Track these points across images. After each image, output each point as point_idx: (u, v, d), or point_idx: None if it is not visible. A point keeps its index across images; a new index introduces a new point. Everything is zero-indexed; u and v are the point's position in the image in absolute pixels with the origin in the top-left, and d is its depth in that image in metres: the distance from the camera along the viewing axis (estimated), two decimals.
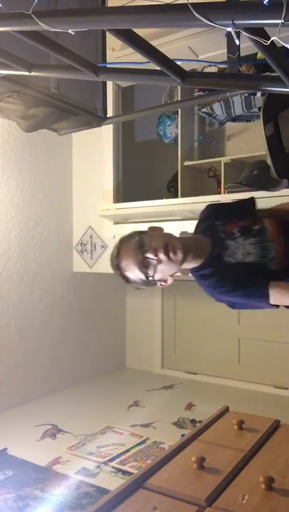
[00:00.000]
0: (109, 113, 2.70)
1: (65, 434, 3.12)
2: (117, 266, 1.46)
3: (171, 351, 4.55)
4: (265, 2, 0.92)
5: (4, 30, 1.24)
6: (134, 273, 1.42)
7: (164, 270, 1.41)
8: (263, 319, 3.90)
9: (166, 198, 3.70)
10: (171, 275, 1.46)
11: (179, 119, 3.80)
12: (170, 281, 1.48)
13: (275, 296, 1.40)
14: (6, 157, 3.58)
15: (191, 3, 0.97)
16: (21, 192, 3.70)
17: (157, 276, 1.42)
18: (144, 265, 1.39)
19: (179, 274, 1.51)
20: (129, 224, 3.86)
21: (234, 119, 3.79)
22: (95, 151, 4.00)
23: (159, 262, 1.39)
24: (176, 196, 3.74)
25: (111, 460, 2.71)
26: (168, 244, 1.39)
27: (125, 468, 2.60)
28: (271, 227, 1.48)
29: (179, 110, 3.78)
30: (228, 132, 4.08)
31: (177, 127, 3.83)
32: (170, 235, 1.47)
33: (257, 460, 1.59)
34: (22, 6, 1.15)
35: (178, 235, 1.58)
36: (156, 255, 1.38)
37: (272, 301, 1.41)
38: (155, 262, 1.39)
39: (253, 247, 1.44)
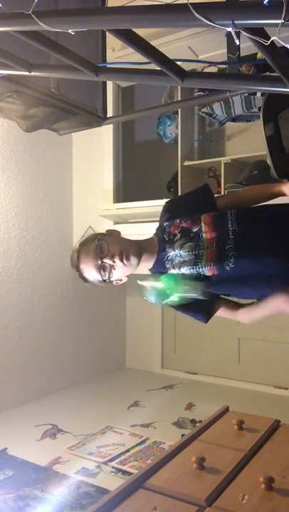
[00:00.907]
0: (109, 113, 2.70)
1: (65, 434, 3.12)
2: (76, 267, 1.58)
3: (171, 351, 4.55)
4: (265, 2, 0.92)
5: (4, 30, 1.24)
6: (92, 275, 1.55)
7: (119, 273, 1.54)
8: (263, 319, 3.89)
9: (166, 198, 3.69)
10: (126, 274, 1.59)
11: (179, 119, 3.79)
12: (125, 279, 1.61)
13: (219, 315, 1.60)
14: (6, 157, 3.58)
15: (191, 3, 0.97)
16: (21, 192, 3.70)
17: (113, 278, 1.56)
18: (101, 268, 1.52)
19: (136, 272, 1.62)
20: (129, 224, 3.86)
21: (234, 119, 3.79)
22: (95, 151, 4.00)
23: (115, 266, 1.52)
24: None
25: (111, 460, 2.71)
26: (123, 250, 1.51)
27: (125, 468, 2.60)
28: (207, 229, 1.50)
29: (179, 110, 3.78)
30: (228, 132, 4.08)
31: (177, 127, 3.83)
32: (126, 241, 1.58)
33: (257, 460, 1.59)
34: (22, 6, 1.15)
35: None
36: (112, 261, 1.51)
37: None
38: (111, 266, 1.52)
39: (188, 254, 1.50)
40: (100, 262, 1.51)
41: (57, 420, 3.30)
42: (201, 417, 3.23)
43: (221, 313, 1.61)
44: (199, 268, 1.49)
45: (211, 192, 1.69)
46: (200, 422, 2.99)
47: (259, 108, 3.32)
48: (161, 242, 1.58)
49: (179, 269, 1.52)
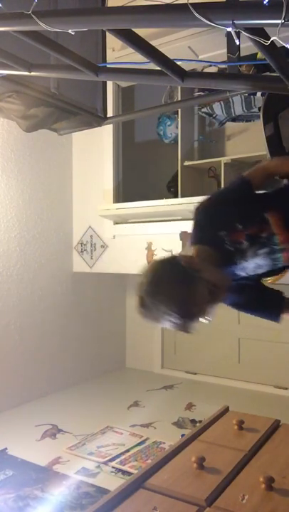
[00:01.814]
0: (109, 113, 2.70)
1: (65, 434, 3.12)
2: (180, 325, 1.34)
3: (171, 351, 4.55)
4: (265, 2, 0.92)
5: (4, 30, 1.24)
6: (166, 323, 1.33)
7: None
8: (263, 319, 3.89)
9: (166, 198, 3.70)
10: None
11: (179, 119, 3.79)
12: None
13: None
14: (6, 157, 3.58)
15: (191, 3, 0.97)
16: (21, 192, 3.70)
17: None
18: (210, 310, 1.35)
19: None
20: (129, 224, 3.86)
21: (234, 119, 3.79)
22: (95, 151, 4.00)
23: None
24: (176, 196, 3.74)
25: (111, 460, 2.71)
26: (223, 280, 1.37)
27: (125, 468, 2.60)
28: (279, 232, 1.39)
29: (179, 110, 3.78)
30: (228, 132, 4.08)
31: (177, 127, 3.83)
32: (214, 269, 1.36)
33: (257, 460, 1.59)
34: (22, 6, 1.15)
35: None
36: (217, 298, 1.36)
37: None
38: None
39: (263, 260, 1.41)
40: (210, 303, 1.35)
41: (57, 420, 3.30)
42: (201, 417, 3.23)
43: None
44: (277, 266, 1.44)
45: (246, 180, 1.49)
46: (200, 422, 2.99)
47: (259, 108, 3.32)
48: (226, 255, 1.40)
49: (255, 273, 1.45)
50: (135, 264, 3.60)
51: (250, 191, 1.46)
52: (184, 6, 0.98)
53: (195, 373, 4.33)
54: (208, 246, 1.40)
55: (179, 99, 3.73)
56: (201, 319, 1.33)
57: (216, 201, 1.47)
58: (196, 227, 1.46)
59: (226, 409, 2.06)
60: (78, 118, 2.34)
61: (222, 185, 3.48)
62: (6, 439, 2.96)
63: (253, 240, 1.38)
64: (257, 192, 1.48)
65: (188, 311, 1.29)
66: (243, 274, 1.44)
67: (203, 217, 1.45)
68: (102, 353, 4.46)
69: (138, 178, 4.21)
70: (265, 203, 1.44)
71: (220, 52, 2.76)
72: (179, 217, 3.53)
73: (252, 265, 1.41)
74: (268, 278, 1.56)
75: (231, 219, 1.40)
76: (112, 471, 2.59)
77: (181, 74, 1.44)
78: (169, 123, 3.89)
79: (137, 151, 4.45)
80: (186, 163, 3.74)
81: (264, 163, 1.59)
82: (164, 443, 2.89)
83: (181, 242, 3.34)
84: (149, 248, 3.68)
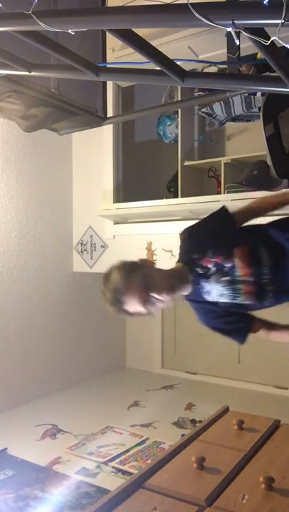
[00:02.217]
0: (109, 113, 2.70)
1: (65, 434, 3.12)
2: (118, 301, 1.51)
3: (171, 351, 4.55)
4: (265, 2, 0.92)
5: (4, 30, 1.24)
6: (135, 308, 1.51)
7: (163, 305, 1.54)
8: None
9: (166, 198, 3.70)
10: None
11: (179, 119, 3.79)
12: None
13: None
14: (6, 157, 3.58)
15: (191, 3, 0.97)
16: (21, 192, 3.70)
17: (156, 310, 1.55)
18: (148, 302, 1.49)
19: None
20: (129, 224, 3.86)
21: (234, 119, 3.79)
22: (95, 151, 4.00)
23: (162, 300, 1.51)
24: (176, 196, 3.74)
25: (111, 460, 2.71)
26: (170, 286, 1.52)
27: (125, 468, 2.60)
28: (241, 265, 1.53)
29: (179, 110, 3.78)
30: (228, 132, 4.08)
31: (177, 127, 3.83)
32: (167, 275, 1.55)
33: (257, 460, 1.59)
34: (22, 6, 1.15)
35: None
36: (160, 295, 1.50)
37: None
38: (158, 300, 1.50)
39: (225, 289, 1.56)
40: (147, 296, 1.48)
41: (57, 420, 3.30)
42: (201, 417, 3.23)
43: (264, 335, 1.69)
44: (238, 301, 1.57)
45: (230, 214, 1.65)
46: (200, 422, 2.99)
47: (259, 108, 3.32)
48: (195, 275, 1.57)
49: (218, 300, 1.58)
50: None
51: (231, 227, 1.64)
52: (184, 6, 0.98)
53: (195, 373, 4.33)
54: (184, 264, 1.61)
55: (179, 99, 3.73)
56: (140, 309, 1.50)
57: (198, 228, 1.67)
58: (180, 247, 1.69)
59: (226, 409, 2.06)
60: (78, 118, 2.34)
61: (222, 185, 3.47)
62: (6, 439, 2.96)
63: (219, 268, 1.55)
64: (236, 227, 1.65)
65: (123, 293, 1.49)
66: (208, 298, 1.60)
67: (185, 239, 1.67)
68: (102, 353, 4.46)
69: (138, 178, 4.21)
70: (237, 238, 1.61)
71: (220, 52, 2.76)
72: (179, 217, 3.53)
73: (215, 291, 1.57)
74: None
75: (204, 246, 1.59)
76: (112, 471, 2.59)
77: (181, 74, 1.44)
78: (169, 123, 3.89)
79: (137, 151, 4.45)
80: (186, 163, 3.74)
81: (248, 204, 1.75)
82: (164, 443, 2.89)
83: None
84: (149, 248, 3.68)
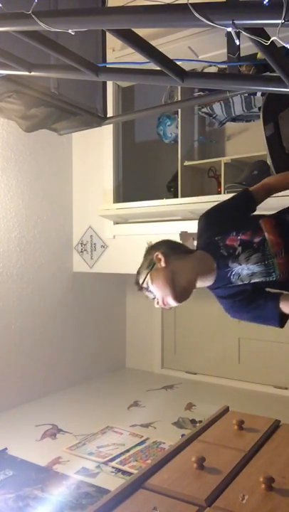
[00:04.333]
0: (109, 113, 2.70)
1: (65, 434, 3.12)
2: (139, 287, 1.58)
3: (171, 351, 4.55)
4: (265, 2, 0.92)
5: (4, 30, 1.24)
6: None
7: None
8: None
9: (166, 198, 3.70)
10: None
11: (179, 119, 3.79)
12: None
13: None
14: (6, 157, 3.58)
15: (191, 3, 0.97)
16: (21, 192, 3.70)
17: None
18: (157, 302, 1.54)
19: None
20: (129, 224, 3.86)
21: (234, 119, 3.79)
22: (95, 151, 4.00)
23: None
24: (176, 196, 3.74)
25: (111, 460, 2.71)
26: (162, 299, 1.51)
27: (125, 468, 2.60)
28: (272, 237, 1.46)
29: (179, 110, 3.78)
30: (228, 132, 4.08)
31: (177, 127, 3.83)
32: (168, 283, 1.50)
33: (257, 460, 1.59)
34: (22, 6, 1.15)
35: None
36: (157, 303, 1.54)
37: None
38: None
39: (257, 266, 1.46)
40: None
41: (57, 420, 3.30)
42: (201, 417, 3.23)
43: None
44: (273, 277, 1.47)
45: (249, 193, 1.62)
46: (200, 422, 2.99)
47: (259, 108, 3.32)
48: (220, 259, 1.49)
49: (249, 281, 1.49)
50: (135, 264, 3.59)
51: (250, 203, 1.59)
52: (184, 6, 0.98)
53: (195, 373, 4.33)
54: (204, 251, 1.53)
55: (179, 99, 3.73)
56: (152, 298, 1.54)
57: (216, 209, 1.60)
58: (198, 233, 1.61)
59: (226, 409, 2.06)
60: (78, 118, 2.34)
61: (222, 185, 3.47)
62: (6, 439, 2.96)
63: (246, 245, 1.46)
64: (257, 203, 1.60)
65: (138, 278, 1.55)
66: (238, 281, 1.50)
67: (203, 223, 1.59)
68: (102, 353, 4.46)
69: (138, 178, 4.21)
70: (253, 209, 1.56)
71: (220, 52, 2.76)
72: (179, 217, 3.53)
73: (245, 271, 1.47)
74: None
75: (227, 225, 1.52)
76: (112, 471, 2.59)
77: (181, 74, 1.43)
78: (169, 123, 3.89)
79: (137, 151, 4.45)
80: (186, 163, 3.74)
81: (266, 179, 1.70)
82: (164, 443, 2.89)
83: (181, 242, 3.34)
84: None
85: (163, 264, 1.51)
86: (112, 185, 3.89)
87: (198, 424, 2.63)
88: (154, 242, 1.61)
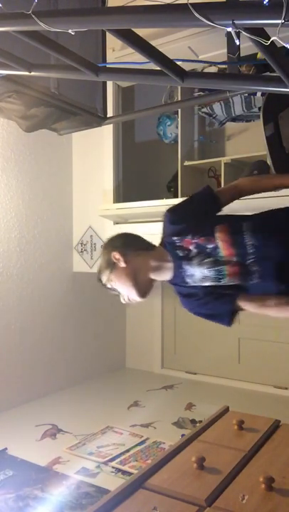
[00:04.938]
0: (109, 113, 2.70)
1: (65, 434, 3.12)
2: (100, 279, 1.69)
3: (171, 351, 4.55)
4: (265, 2, 0.92)
5: (4, 30, 1.24)
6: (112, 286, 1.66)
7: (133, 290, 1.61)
8: (263, 319, 3.89)
9: (166, 198, 3.70)
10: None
11: (179, 119, 3.79)
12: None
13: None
14: (6, 157, 3.58)
15: (191, 3, 0.97)
16: (21, 192, 3.70)
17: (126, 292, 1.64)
18: (122, 298, 1.65)
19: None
20: (129, 224, 3.86)
21: (234, 119, 3.79)
22: (95, 151, 4.00)
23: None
24: (176, 196, 3.74)
25: (111, 460, 2.71)
26: (127, 294, 1.60)
27: (125, 468, 2.60)
28: (224, 245, 1.49)
29: (179, 110, 3.78)
30: (228, 132, 4.08)
31: (177, 127, 3.83)
32: (130, 280, 1.58)
33: (257, 460, 1.59)
34: (22, 6, 1.15)
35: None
36: (122, 298, 1.64)
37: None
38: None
39: (208, 271, 1.50)
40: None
41: (57, 420, 3.30)
42: (201, 417, 3.22)
43: (246, 305, 1.54)
44: (222, 283, 1.50)
45: (213, 194, 1.64)
46: (200, 422, 2.99)
47: (259, 108, 3.32)
48: (176, 258, 1.56)
49: (202, 284, 1.53)
50: None
51: (214, 206, 1.61)
52: (184, 6, 0.98)
53: (195, 373, 4.33)
54: (164, 248, 1.61)
55: (179, 99, 3.73)
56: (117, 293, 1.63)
57: (180, 208, 1.64)
58: (162, 229, 1.68)
59: (226, 409, 2.06)
60: (78, 118, 2.34)
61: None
62: (6, 439, 2.96)
63: (200, 250, 1.51)
64: (220, 207, 1.63)
65: (101, 277, 1.64)
66: (191, 282, 1.55)
67: (166, 222, 1.64)
68: (102, 353, 4.46)
69: (138, 178, 4.21)
70: (219, 218, 1.57)
71: (220, 52, 2.76)
72: None
73: (198, 274, 1.52)
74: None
75: (185, 227, 1.56)
76: (112, 471, 2.59)
77: (181, 74, 1.43)
78: (169, 123, 3.89)
79: (137, 151, 4.45)
80: (186, 163, 3.74)
81: (238, 181, 1.73)
82: (164, 443, 2.89)
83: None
84: None
85: (123, 264, 1.57)
86: (112, 185, 3.89)
87: (198, 424, 2.63)
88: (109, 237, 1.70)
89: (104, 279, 1.62)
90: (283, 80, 1.28)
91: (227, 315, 1.57)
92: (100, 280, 1.65)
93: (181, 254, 1.55)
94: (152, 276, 1.59)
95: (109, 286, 1.62)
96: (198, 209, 1.62)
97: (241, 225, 1.51)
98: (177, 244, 1.56)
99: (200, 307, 1.60)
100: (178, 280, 1.58)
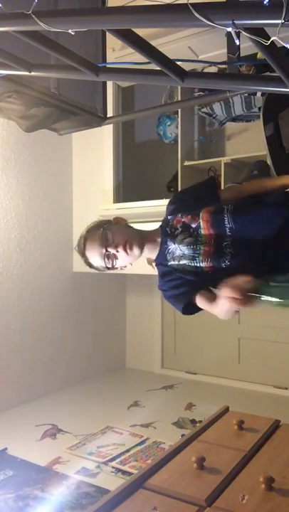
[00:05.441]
0: (109, 113, 2.70)
1: (65, 434, 3.12)
2: (82, 253, 1.66)
3: (171, 351, 4.55)
4: (265, 2, 0.92)
5: (4, 30, 1.24)
6: (96, 261, 1.63)
7: (122, 261, 1.62)
8: (263, 319, 3.90)
9: (166, 198, 3.69)
10: (130, 263, 1.67)
11: (179, 119, 3.79)
12: (129, 266, 1.67)
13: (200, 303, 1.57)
14: (6, 157, 3.58)
15: (191, 3, 0.97)
16: (21, 192, 3.70)
17: (117, 265, 1.63)
18: (106, 257, 1.60)
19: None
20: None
21: (234, 119, 3.79)
22: (95, 151, 4.00)
23: (118, 255, 1.60)
24: None
25: (111, 460, 2.71)
26: (127, 241, 1.59)
27: (125, 468, 2.60)
28: (205, 226, 1.54)
29: (179, 110, 3.78)
30: (228, 132, 4.08)
31: (177, 127, 3.83)
32: (131, 231, 1.66)
33: (257, 460, 1.59)
34: (22, 6, 1.15)
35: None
36: (116, 250, 1.59)
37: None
38: (115, 255, 1.60)
39: (186, 249, 1.55)
40: (104, 250, 1.59)
41: (57, 420, 3.30)
42: (201, 417, 3.23)
43: (200, 303, 1.57)
44: (197, 263, 1.54)
45: (216, 185, 1.74)
46: (200, 422, 2.99)
47: (259, 108, 3.32)
48: (163, 235, 1.64)
49: (179, 262, 1.58)
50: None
51: (212, 194, 1.69)
52: (184, 6, 0.98)
53: (195, 373, 4.33)
54: (160, 226, 1.69)
55: (179, 99, 3.73)
56: (100, 263, 1.63)
57: (181, 192, 1.82)
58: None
59: (226, 409, 2.06)
60: (78, 118, 2.34)
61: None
62: (6, 439, 2.96)
63: (185, 228, 1.58)
64: (216, 196, 1.70)
65: (85, 247, 1.64)
66: (171, 260, 1.60)
67: (169, 202, 1.75)
68: (102, 353, 4.46)
69: (138, 178, 4.21)
70: (209, 202, 1.62)
71: (220, 52, 2.76)
72: None
73: (178, 251, 1.57)
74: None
75: (178, 207, 1.67)
76: (112, 471, 2.59)
77: (181, 74, 1.43)
78: (169, 123, 3.89)
79: (137, 151, 4.45)
80: (186, 163, 3.74)
81: (239, 186, 1.86)
82: (164, 443, 2.89)
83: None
84: None
85: (124, 222, 1.71)
86: (112, 185, 3.89)
87: (198, 424, 2.63)
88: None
89: (102, 236, 1.60)
90: (283, 80, 1.28)
91: (183, 301, 1.60)
92: (84, 241, 1.64)
93: (169, 231, 1.62)
94: (145, 244, 1.65)
95: (109, 239, 1.59)
96: (196, 192, 1.73)
97: (224, 207, 1.56)
98: (169, 222, 1.64)
99: (167, 284, 1.65)
100: (161, 258, 1.64)
